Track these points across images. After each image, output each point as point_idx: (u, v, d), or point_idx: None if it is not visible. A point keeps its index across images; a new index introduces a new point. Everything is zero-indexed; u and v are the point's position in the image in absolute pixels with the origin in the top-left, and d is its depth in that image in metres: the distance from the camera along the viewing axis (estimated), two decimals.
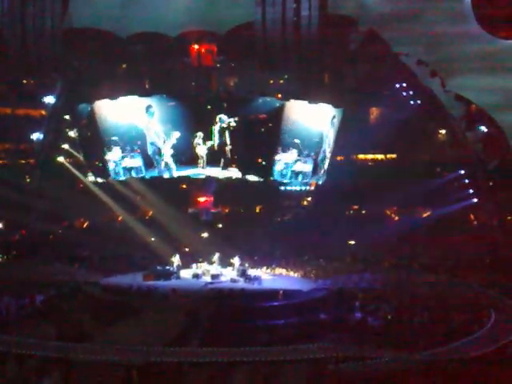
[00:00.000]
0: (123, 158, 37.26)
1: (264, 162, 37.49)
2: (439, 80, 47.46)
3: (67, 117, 43.56)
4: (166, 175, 37.50)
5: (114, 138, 37.00)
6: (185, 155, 37.43)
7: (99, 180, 40.10)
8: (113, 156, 37.36)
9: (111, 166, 37.57)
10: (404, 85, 49.22)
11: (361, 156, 50.64)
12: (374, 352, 22.96)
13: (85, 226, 48.44)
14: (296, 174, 37.58)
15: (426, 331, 26.74)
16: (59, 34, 49.31)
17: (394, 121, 46.38)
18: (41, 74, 50.24)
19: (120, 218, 47.16)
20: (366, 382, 20.97)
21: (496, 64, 45.61)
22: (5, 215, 44.62)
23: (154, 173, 37.63)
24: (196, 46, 50.72)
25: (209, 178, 38.65)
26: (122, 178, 38.08)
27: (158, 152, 36.93)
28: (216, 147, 36.98)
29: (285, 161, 37.12)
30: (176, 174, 37.55)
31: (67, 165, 45.59)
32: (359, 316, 29.79)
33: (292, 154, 37.08)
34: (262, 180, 37.85)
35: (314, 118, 37.50)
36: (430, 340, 25.06)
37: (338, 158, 45.50)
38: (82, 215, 48.23)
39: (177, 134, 36.77)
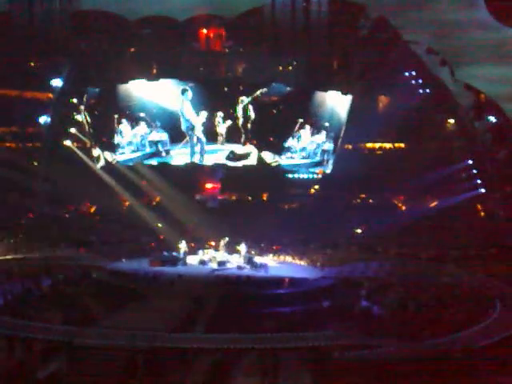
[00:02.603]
0: (150, 132, 41.77)
1: (278, 140, 42.29)
2: (448, 69, 47.09)
3: (74, 100, 43.54)
4: (197, 148, 42.11)
5: (141, 114, 41.35)
6: (206, 132, 42.04)
7: (107, 156, 42.86)
8: (140, 130, 41.75)
9: (137, 139, 41.96)
10: (413, 73, 48.77)
11: (368, 144, 50.34)
12: (379, 341, 22.99)
13: (92, 210, 48.43)
14: (325, 152, 42.60)
15: (431, 321, 26.69)
16: (67, 17, 49.22)
17: (403, 109, 46.09)
18: (48, 56, 50.00)
19: (127, 203, 47.15)
20: (370, 371, 20.99)
21: (506, 53, 45.26)
22: (12, 199, 44.68)
23: (183, 146, 42.31)
24: (205, 31, 50.34)
25: (219, 165, 43.14)
26: (149, 150, 42.23)
27: (192, 128, 41.39)
28: (235, 125, 41.63)
29: (317, 141, 42.17)
30: (206, 147, 42.32)
31: (74, 149, 45.53)
32: (365, 305, 29.77)
33: (322, 136, 41.92)
34: (276, 156, 42.43)
35: (337, 104, 41.91)
36: (435, 330, 25.03)
37: (346, 146, 45.39)
38: (89, 200, 48.21)
39: (205, 113, 41.32)
